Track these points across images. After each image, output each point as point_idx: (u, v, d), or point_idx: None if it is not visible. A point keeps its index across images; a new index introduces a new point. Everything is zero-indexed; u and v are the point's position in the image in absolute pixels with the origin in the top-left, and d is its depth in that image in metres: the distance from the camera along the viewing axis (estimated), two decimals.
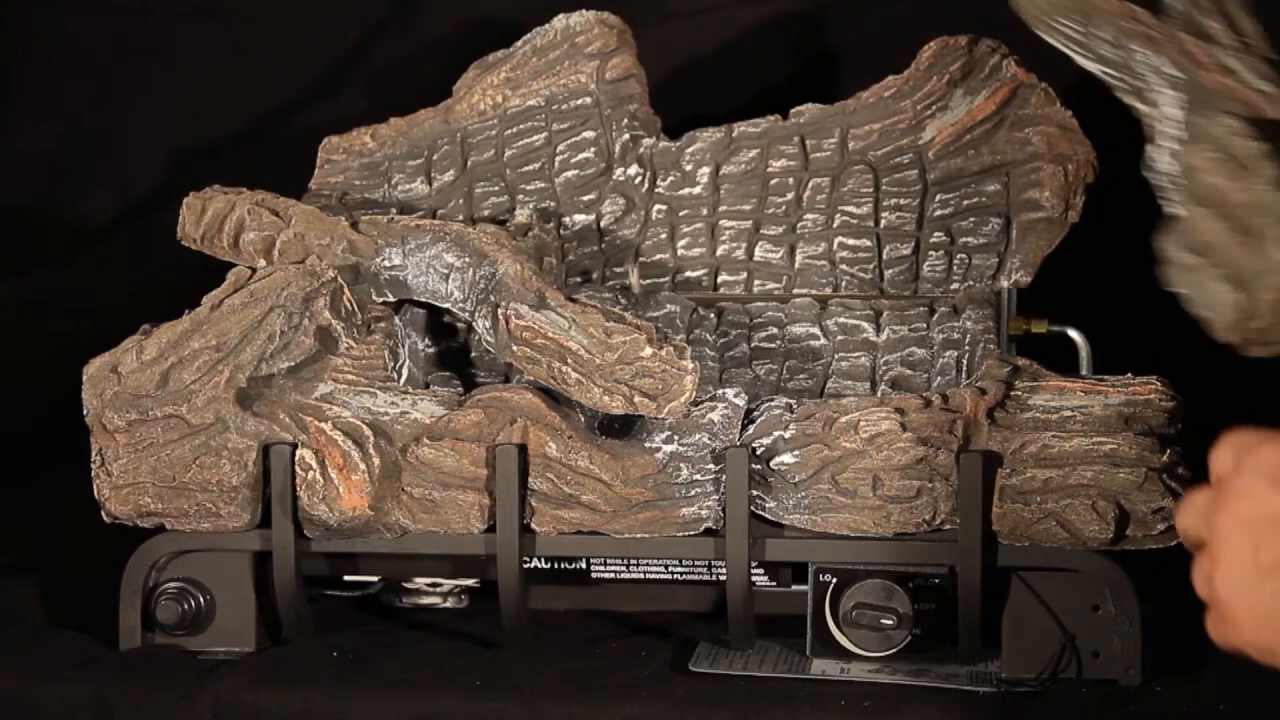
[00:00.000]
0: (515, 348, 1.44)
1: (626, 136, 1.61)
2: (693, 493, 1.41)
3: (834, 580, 1.40)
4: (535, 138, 1.62)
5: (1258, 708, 1.33)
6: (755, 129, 1.61)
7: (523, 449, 1.41)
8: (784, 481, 1.39)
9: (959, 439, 1.37)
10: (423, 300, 1.51)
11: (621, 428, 1.44)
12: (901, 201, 1.58)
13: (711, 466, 1.40)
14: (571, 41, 1.62)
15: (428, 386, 1.52)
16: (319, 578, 1.49)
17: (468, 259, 1.49)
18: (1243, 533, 0.98)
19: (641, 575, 1.48)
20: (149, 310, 1.48)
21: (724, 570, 1.41)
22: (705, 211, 1.61)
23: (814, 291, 1.59)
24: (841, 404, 1.41)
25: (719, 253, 1.61)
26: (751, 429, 1.41)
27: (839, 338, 1.55)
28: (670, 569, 1.47)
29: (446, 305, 1.51)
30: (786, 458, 1.39)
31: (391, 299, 1.51)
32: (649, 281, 1.61)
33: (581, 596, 1.51)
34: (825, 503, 1.38)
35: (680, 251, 1.61)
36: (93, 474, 1.44)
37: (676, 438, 1.41)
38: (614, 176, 1.61)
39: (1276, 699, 1.33)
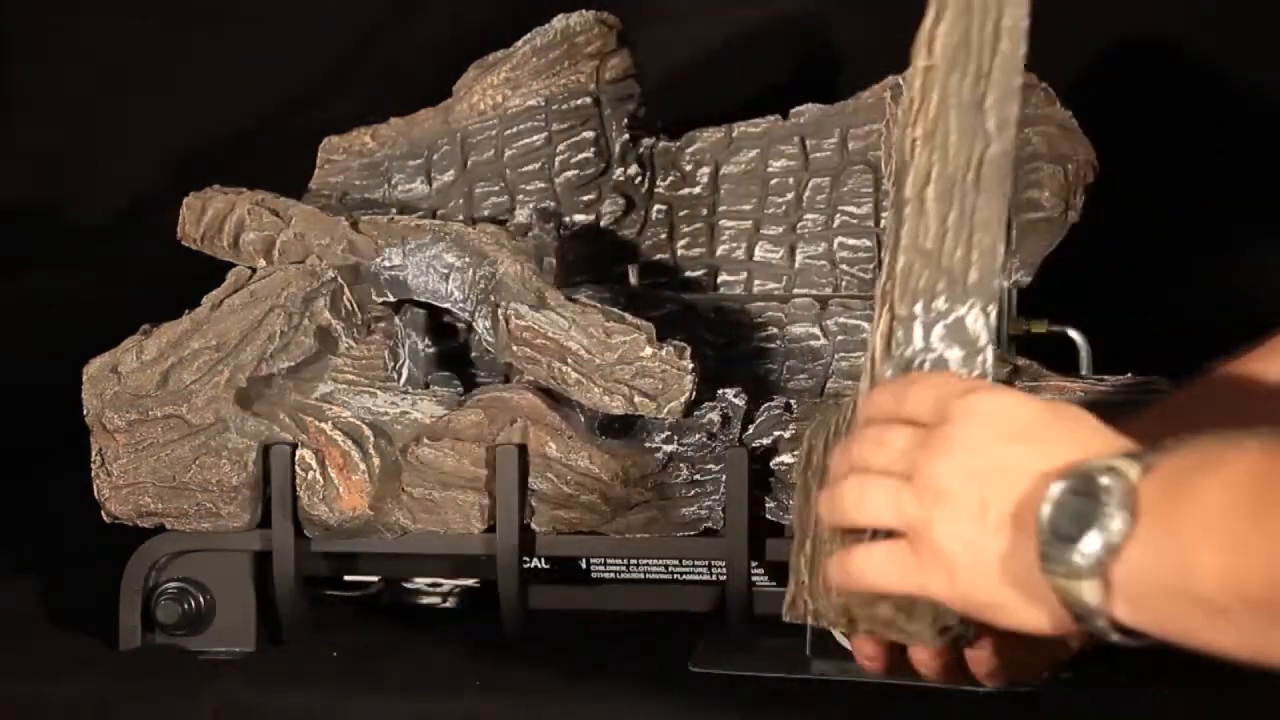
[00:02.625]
0: (515, 348, 1.44)
1: (626, 136, 1.61)
2: (693, 493, 1.41)
3: None
4: (535, 138, 1.61)
5: (1256, 708, 1.32)
6: (755, 129, 1.61)
7: (523, 449, 1.41)
8: (784, 481, 1.39)
9: None
10: (423, 300, 1.51)
11: (621, 428, 1.44)
12: None
13: (711, 466, 1.40)
14: (571, 41, 1.61)
15: (428, 386, 1.52)
16: (319, 578, 1.49)
17: (468, 259, 1.49)
18: (971, 484, 0.95)
19: (641, 575, 1.48)
20: (149, 310, 1.48)
21: (724, 570, 1.41)
22: (705, 211, 1.61)
23: (814, 291, 1.59)
24: (841, 404, 1.41)
25: (719, 253, 1.61)
26: (751, 429, 1.41)
27: (839, 338, 1.55)
28: (670, 569, 1.47)
29: (446, 305, 1.51)
30: (786, 458, 1.39)
31: (391, 299, 1.51)
32: (649, 281, 1.61)
33: (581, 596, 1.51)
34: None
35: (680, 251, 1.61)
36: (93, 474, 1.44)
37: (676, 438, 1.41)
38: (614, 176, 1.61)
39: (1275, 699, 1.33)
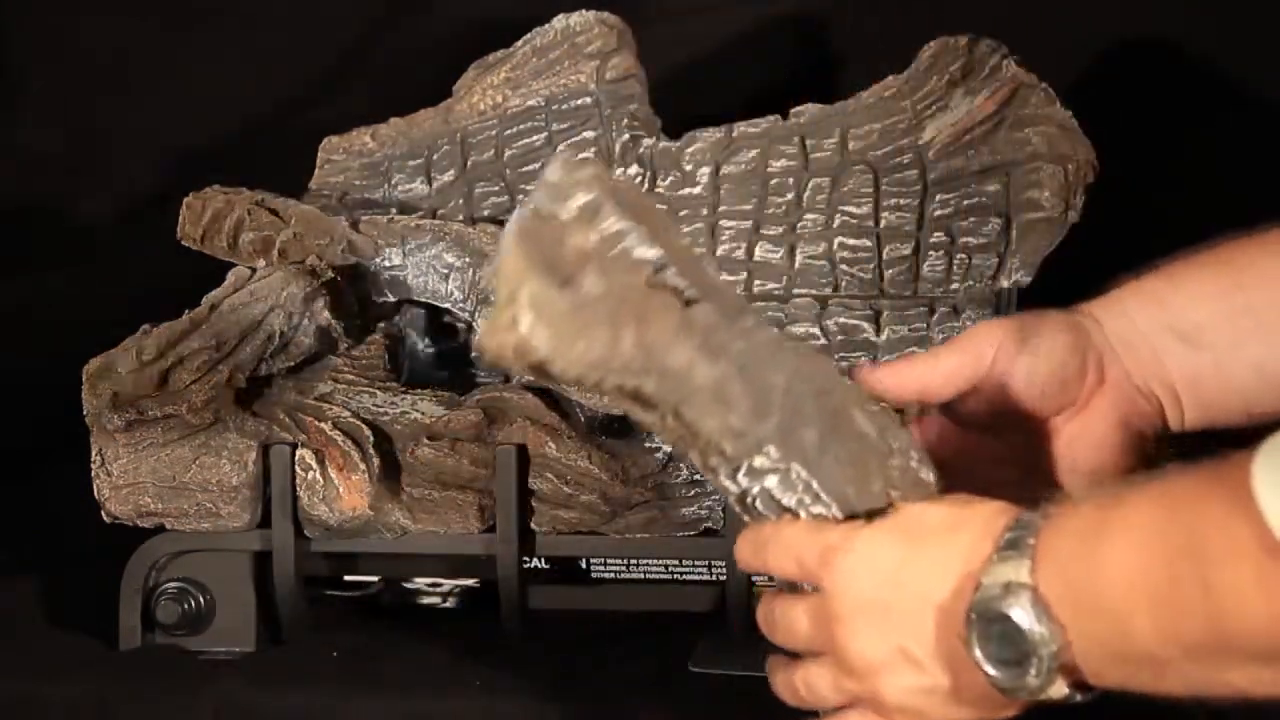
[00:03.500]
0: None
1: (626, 136, 1.61)
2: (693, 493, 1.41)
3: None
4: (535, 138, 1.61)
5: (1258, 708, 1.32)
6: (755, 129, 1.61)
7: (523, 449, 1.41)
8: None
9: None
10: (423, 300, 1.51)
11: (621, 428, 1.44)
12: (901, 201, 1.58)
13: None
14: (571, 41, 1.61)
15: (428, 386, 1.52)
16: (319, 578, 1.49)
17: (468, 259, 1.49)
18: (885, 643, 0.98)
19: (641, 575, 1.48)
20: (149, 310, 1.48)
21: (724, 570, 1.41)
22: (705, 211, 1.61)
23: (814, 291, 1.59)
24: None
25: (719, 253, 1.60)
26: None
27: (839, 338, 1.55)
28: (670, 569, 1.47)
29: (446, 305, 1.51)
30: None
31: (391, 299, 1.51)
32: None
33: (581, 596, 1.51)
34: None
35: None
36: (93, 474, 1.44)
37: None
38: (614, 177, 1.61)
39: (1278, 700, 1.32)
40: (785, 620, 1.03)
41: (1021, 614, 0.92)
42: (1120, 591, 0.89)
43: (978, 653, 0.94)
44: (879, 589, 0.98)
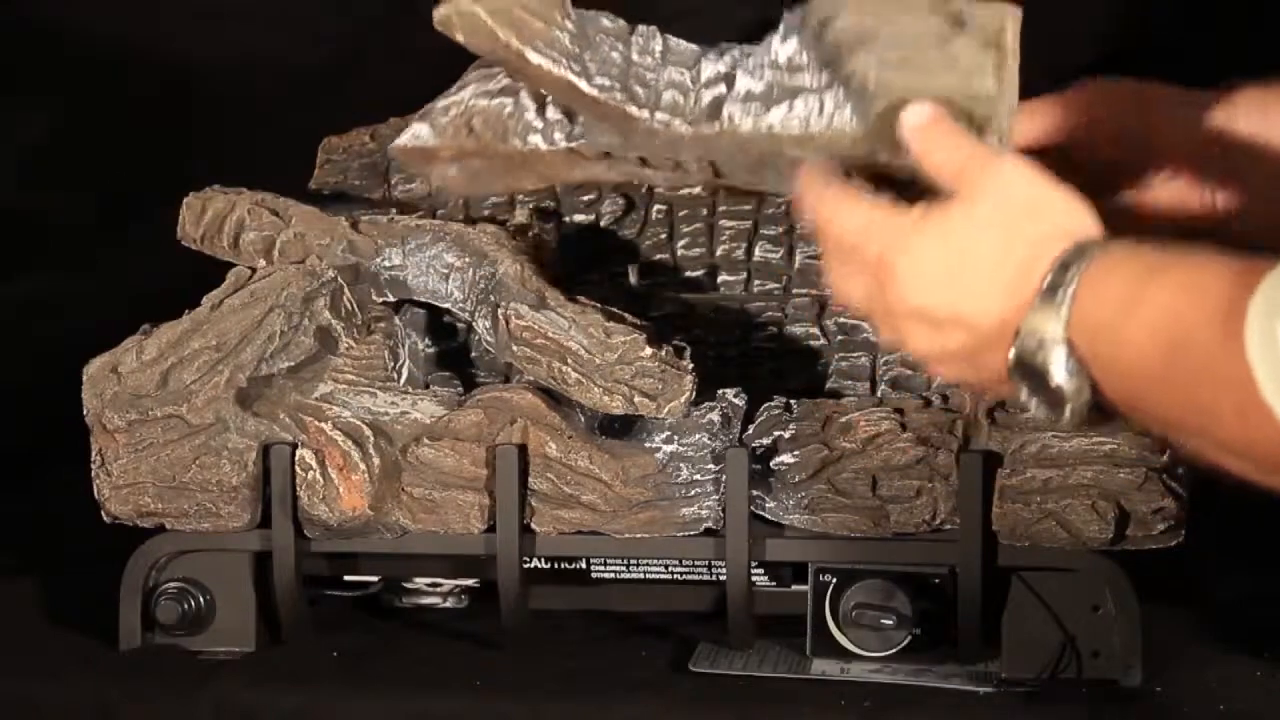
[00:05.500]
0: (515, 348, 1.44)
1: None
2: (693, 493, 1.41)
3: (834, 580, 1.40)
4: None
5: (1258, 708, 1.33)
6: None
7: (523, 449, 1.41)
8: (784, 481, 1.39)
9: (959, 439, 1.38)
10: (423, 300, 1.51)
11: (621, 428, 1.44)
12: None
13: (711, 466, 1.40)
14: None
15: (428, 386, 1.52)
16: (319, 578, 1.49)
17: (468, 259, 1.49)
18: (947, 367, 1.07)
19: (641, 575, 1.48)
20: (149, 310, 1.48)
21: (724, 570, 1.41)
22: (705, 211, 1.61)
23: (814, 291, 1.58)
24: (840, 404, 1.42)
25: (719, 253, 1.60)
26: (751, 429, 1.41)
27: (838, 338, 1.55)
28: (670, 569, 1.47)
29: (446, 305, 1.51)
30: (786, 458, 1.39)
31: (391, 299, 1.51)
32: (649, 281, 1.61)
33: (581, 596, 1.51)
34: (824, 502, 1.39)
35: (680, 251, 1.61)
36: (93, 474, 1.44)
37: (676, 438, 1.41)
38: None
39: (1278, 700, 1.33)
40: (840, 283, 1.08)
41: (1056, 369, 0.99)
42: (1136, 370, 0.96)
43: (1022, 394, 1.01)
44: (931, 299, 1.03)
